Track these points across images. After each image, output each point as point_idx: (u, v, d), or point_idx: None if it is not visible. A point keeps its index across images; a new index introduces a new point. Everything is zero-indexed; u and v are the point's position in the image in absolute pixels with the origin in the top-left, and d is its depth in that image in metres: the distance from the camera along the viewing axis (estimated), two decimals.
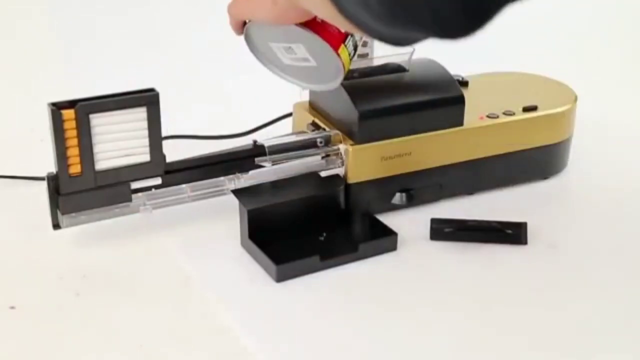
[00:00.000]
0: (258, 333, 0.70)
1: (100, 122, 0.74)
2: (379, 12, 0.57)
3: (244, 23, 0.79)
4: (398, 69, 0.89)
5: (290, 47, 0.77)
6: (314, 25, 0.75)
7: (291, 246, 0.78)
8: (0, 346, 0.68)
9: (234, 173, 0.83)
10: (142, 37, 1.41)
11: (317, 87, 0.82)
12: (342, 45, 0.77)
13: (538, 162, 0.94)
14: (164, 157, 0.79)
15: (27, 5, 1.54)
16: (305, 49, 0.77)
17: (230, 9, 0.78)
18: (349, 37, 0.77)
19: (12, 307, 0.73)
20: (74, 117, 0.73)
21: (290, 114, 0.96)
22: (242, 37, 0.80)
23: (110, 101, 0.75)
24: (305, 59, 0.78)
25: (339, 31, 0.76)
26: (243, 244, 0.81)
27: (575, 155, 0.99)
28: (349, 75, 0.82)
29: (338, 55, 0.77)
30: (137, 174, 0.78)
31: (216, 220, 0.85)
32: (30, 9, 1.53)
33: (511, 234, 0.83)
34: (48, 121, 0.73)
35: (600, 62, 1.37)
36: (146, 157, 0.78)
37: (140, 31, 1.44)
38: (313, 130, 0.88)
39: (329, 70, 0.79)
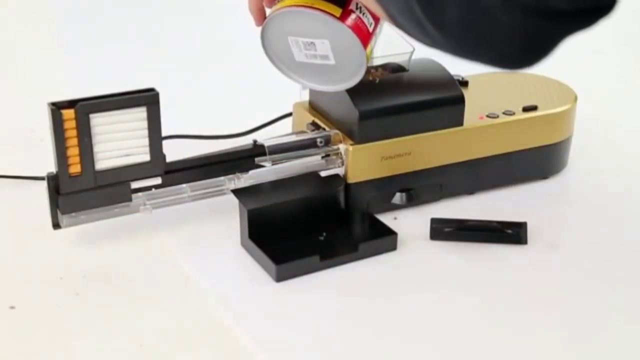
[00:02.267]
0: (258, 333, 0.70)
1: (100, 122, 0.74)
2: (443, 44, 0.59)
3: (264, 14, 0.78)
4: (398, 69, 0.89)
5: (312, 43, 0.77)
6: (348, 21, 0.75)
7: (291, 246, 0.78)
8: (0, 346, 0.68)
9: (234, 173, 0.83)
10: (142, 37, 1.41)
11: (323, 88, 0.82)
12: (369, 45, 0.77)
13: (538, 162, 0.94)
14: (164, 157, 0.79)
15: (27, 5, 1.54)
16: (329, 46, 0.77)
17: None
18: (373, 37, 0.78)
19: (12, 307, 0.73)
20: (74, 117, 0.73)
21: (290, 114, 0.96)
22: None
23: (110, 101, 0.75)
24: (325, 57, 0.78)
25: (368, 30, 0.76)
26: (243, 244, 0.81)
27: (575, 155, 0.99)
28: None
29: (366, 54, 0.77)
30: (137, 173, 0.78)
31: (216, 220, 0.85)
32: (30, 9, 1.53)
33: (511, 234, 0.83)
34: (48, 121, 0.73)
35: (600, 62, 1.37)
36: (146, 157, 0.78)
37: (140, 31, 1.44)
38: (313, 130, 0.88)
39: (345, 70, 0.79)
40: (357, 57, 0.77)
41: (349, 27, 0.75)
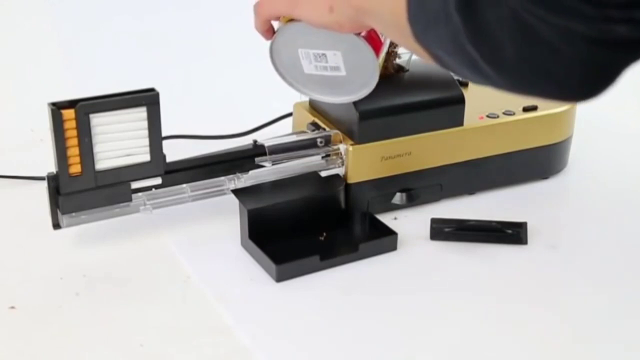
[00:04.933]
0: (258, 333, 0.70)
1: (100, 122, 0.74)
2: (497, 81, 0.57)
3: (273, 30, 0.77)
4: (398, 69, 0.89)
5: (323, 54, 0.76)
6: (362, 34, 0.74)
7: (291, 246, 0.78)
8: (0, 346, 0.68)
9: (234, 173, 0.83)
10: (142, 36, 1.41)
11: (332, 99, 0.81)
12: (380, 55, 0.77)
13: (538, 162, 0.94)
14: (164, 157, 0.79)
15: (27, 5, 1.54)
16: (341, 58, 0.76)
17: (261, 7, 0.75)
18: (384, 47, 0.77)
19: (12, 307, 0.73)
20: (74, 117, 0.73)
21: (290, 114, 0.96)
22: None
23: (110, 101, 0.75)
24: (335, 68, 0.77)
25: (380, 40, 0.75)
26: (243, 244, 0.81)
27: (575, 155, 0.99)
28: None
29: (379, 67, 0.76)
30: (137, 174, 0.78)
31: (216, 220, 0.85)
32: (31, 9, 1.53)
33: (511, 234, 0.83)
34: (48, 121, 0.73)
35: None
36: (146, 157, 0.78)
37: (140, 31, 1.43)
38: (313, 130, 0.88)
39: (356, 81, 0.78)
40: (369, 68, 0.76)
41: (362, 37, 0.74)
